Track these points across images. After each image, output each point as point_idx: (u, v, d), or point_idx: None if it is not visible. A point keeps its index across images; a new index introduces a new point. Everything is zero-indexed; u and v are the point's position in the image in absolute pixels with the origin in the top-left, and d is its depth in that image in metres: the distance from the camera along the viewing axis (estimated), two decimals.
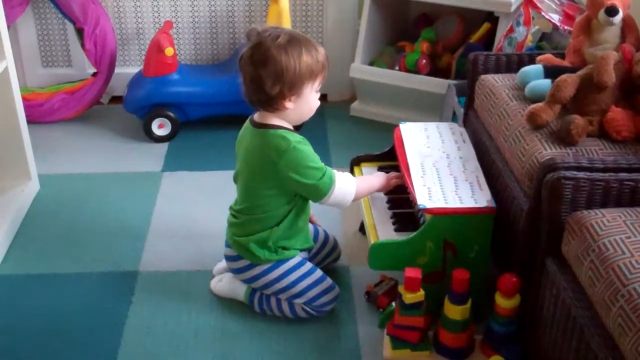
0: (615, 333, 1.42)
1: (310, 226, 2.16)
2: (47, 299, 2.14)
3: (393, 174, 2.14)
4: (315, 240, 2.17)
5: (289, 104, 1.92)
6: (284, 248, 2.03)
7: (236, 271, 2.08)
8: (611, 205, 1.65)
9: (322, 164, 1.95)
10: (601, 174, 1.66)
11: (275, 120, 1.95)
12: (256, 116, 2.00)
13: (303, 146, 1.93)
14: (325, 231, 2.22)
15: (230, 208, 2.09)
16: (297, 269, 2.03)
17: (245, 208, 2.03)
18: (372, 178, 2.12)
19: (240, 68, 1.92)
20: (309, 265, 2.06)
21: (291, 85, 1.89)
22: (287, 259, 2.03)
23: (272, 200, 1.97)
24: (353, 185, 2.00)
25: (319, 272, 2.06)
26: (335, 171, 1.98)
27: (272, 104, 1.92)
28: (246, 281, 2.07)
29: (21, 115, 2.52)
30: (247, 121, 2.03)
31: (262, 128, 1.95)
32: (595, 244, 1.53)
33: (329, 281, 2.06)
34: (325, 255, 2.21)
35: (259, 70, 1.87)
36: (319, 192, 1.95)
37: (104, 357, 1.94)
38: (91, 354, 1.95)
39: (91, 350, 1.96)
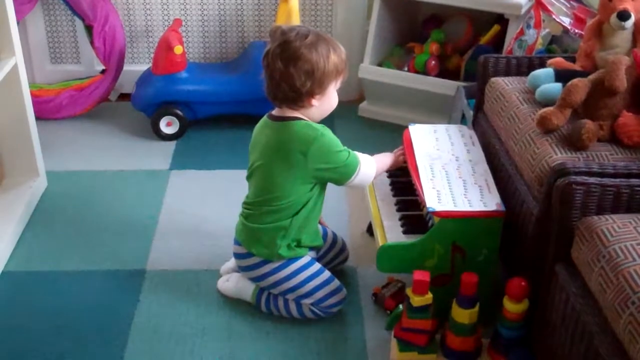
0: (625, 340, 1.41)
1: (319, 227, 2.15)
2: (54, 297, 2.14)
3: (399, 150, 2.21)
4: (324, 241, 2.17)
5: (315, 102, 1.96)
6: (298, 244, 2.03)
7: (245, 269, 2.08)
8: (622, 211, 1.65)
9: (345, 147, 2.00)
10: (612, 180, 1.65)
11: (296, 115, 1.98)
12: (275, 112, 2.02)
13: (328, 132, 1.98)
14: (333, 232, 2.22)
15: (244, 203, 2.09)
16: (306, 269, 2.04)
17: (262, 200, 2.02)
18: (382, 157, 2.17)
19: (266, 65, 1.94)
20: (317, 265, 2.06)
21: (320, 83, 1.93)
22: (297, 258, 2.04)
23: (294, 189, 1.98)
24: (373, 165, 2.06)
25: (327, 273, 2.06)
26: (357, 153, 2.03)
27: (299, 101, 1.95)
28: (255, 279, 2.07)
29: (30, 112, 2.52)
30: (265, 118, 2.04)
31: (284, 121, 1.98)
32: (606, 250, 1.52)
33: (337, 282, 2.06)
34: (334, 256, 2.21)
35: (290, 68, 1.90)
36: (347, 173, 1.99)
37: (110, 355, 1.94)
38: (98, 353, 1.95)
39: (98, 349, 1.96)
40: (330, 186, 2.63)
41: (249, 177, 2.07)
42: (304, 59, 1.90)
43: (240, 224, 2.08)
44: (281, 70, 1.91)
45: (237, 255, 2.10)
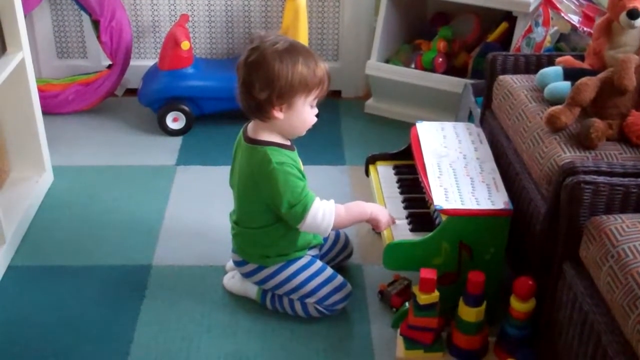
0: (633, 340, 1.40)
1: None
2: (59, 292, 2.14)
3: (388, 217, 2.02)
4: (326, 238, 2.16)
5: (278, 114, 1.87)
6: (292, 250, 2.02)
7: (245, 275, 2.08)
8: (630, 211, 1.64)
9: (298, 190, 1.88)
10: (621, 179, 1.64)
11: (265, 135, 1.91)
12: (249, 127, 1.96)
13: (284, 168, 1.88)
14: None
15: (230, 216, 2.09)
16: (306, 269, 2.03)
17: (240, 220, 2.03)
18: (363, 206, 2.00)
19: (236, 70, 1.89)
20: (318, 263, 2.05)
21: (280, 94, 1.84)
22: (296, 259, 2.03)
23: (263, 216, 1.96)
24: (329, 220, 1.91)
25: (329, 271, 2.05)
26: (315, 200, 1.90)
27: (262, 111, 1.87)
28: (256, 283, 2.07)
29: (36, 106, 2.52)
30: (241, 132, 1.99)
31: (253, 144, 1.92)
32: (615, 249, 1.52)
33: (340, 279, 2.05)
34: (337, 252, 2.20)
35: (251, 74, 1.84)
36: (291, 221, 1.92)
37: (117, 351, 1.93)
38: (104, 348, 1.94)
39: (104, 345, 1.96)
40: (333, 183, 2.65)
41: (231, 186, 2.06)
42: (265, 66, 1.81)
43: (232, 233, 2.08)
44: (244, 75, 1.85)
45: (235, 263, 2.10)
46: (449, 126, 2.26)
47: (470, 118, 2.61)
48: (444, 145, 2.15)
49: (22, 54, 2.38)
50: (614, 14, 2.06)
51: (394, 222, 2.03)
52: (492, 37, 2.98)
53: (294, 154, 1.96)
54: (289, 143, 1.95)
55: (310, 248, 2.08)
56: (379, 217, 2.00)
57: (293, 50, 1.85)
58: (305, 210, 1.89)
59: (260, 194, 1.92)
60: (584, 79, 1.89)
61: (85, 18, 3.14)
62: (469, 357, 1.88)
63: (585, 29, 2.59)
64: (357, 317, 2.06)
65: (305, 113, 1.90)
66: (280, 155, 1.89)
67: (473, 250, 1.91)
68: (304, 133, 1.96)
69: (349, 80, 3.29)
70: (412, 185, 2.17)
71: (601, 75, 1.91)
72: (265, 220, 1.97)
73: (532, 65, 2.26)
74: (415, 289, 1.84)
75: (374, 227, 2.05)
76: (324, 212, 1.91)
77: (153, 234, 2.39)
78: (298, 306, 2.03)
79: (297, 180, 1.90)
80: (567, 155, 1.80)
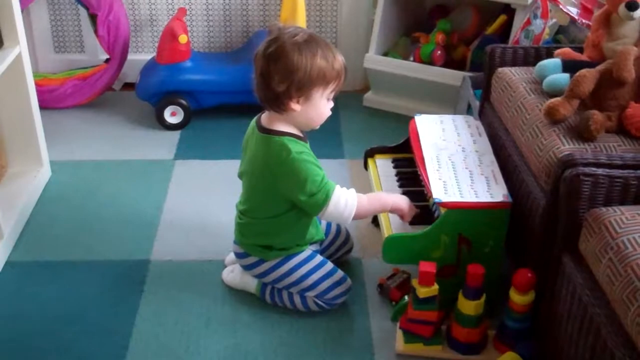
0: (633, 332, 1.40)
1: (322, 221, 2.14)
2: (58, 287, 2.14)
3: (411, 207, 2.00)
4: (327, 233, 2.16)
5: (295, 106, 1.87)
6: (293, 244, 2.02)
7: (246, 267, 2.08)
8: (630, 203, 1.63)
9: (319, 179, 1.88)
10: (620, 171, 1.64)
11: (281, 125, 1.91)
12: (263, 118, 1.96)
13: (303, 157, 1.88)
14: (337, 223, 2.21)
15: (236, 206, 2.09)
16: (307, 263, 2.02)
17: (249, 209, 2.02)
18: (379, 198, 2.00)
19: (254, 61, 1.89)
20: (319, 258, 2.05)
21: (299, 86, 1.84)
22: (297, 253, 2.02)
23: (275, 206, 1.96)
24: (352, 206, 1.91)
25: (329, 265, 2.05)
26: (336, 188, 1.91)
27: (279, 103, 1.87)
28: (257, 276, 2.07)
29: (34, 101, 2.51)
30: (254, 122, 1.99)
31: (267, 134, 1.92)
32: (614, 241, 1.51)
33: (340, 273, 2.05)
34: (338, 247, 2.20)
35: (270, 65, 1.84)
36: (311, 209, 1.92)
37: (115, 345, 1.93)
38: (103, 343, 1.94)
39: (103, 339, 1.95)
40: (332, 176, 2.64)
41: (240, 177, 2.06)
42: (285, 58, 1.81)
43: (236, 224, 2.08)
44: (262, 66, 1.85)
45: (236, 255, 2.09)
46: (447, 119, 2.25)
47: (469, 111, 2.61)
48: (442, 138, 2.14)
49: (19, 48, 2.37)
50: (612, 6, 2.06)
51: (417, 211, 2.00)
52: (490, 30, 2.98)
53: (308, 146, 1.96)
54: (302, 135, 1.95)
55: (312, 243, 2.08)
56: (401, 207, 1.97)
57: (312, 42, 1.85)
58: (327, 197, 1.89)
59: (277, 183, 1.91)
60: (582, 71, 1.89)
61: (83, 12, 3.13)
62: (468, 350, 1.88)
63: (583, 21, 2.58)
64: (356, 311, 2.06)
65: (321, 106, 1.91)
66: (298, 145, 1.90)
67: (472, 243, 1.91)
68: (317, 127, 1.96)
69: (347, 73, 3.27)
70: (411, 179, 2.16)
71: (600, 67, 1.91)
72: (276, 210, 1.96)
73: (530, 57, 2.25)
74: (414, 282, 1.84)
75: (400, 217, 2.00)
76: (347, 200, 1.91)
77: (151, 228, 2.38)
78: (297, 300, 2.03)
79: (317, 169, 1.90)
80: (566, 147, 1.79)
